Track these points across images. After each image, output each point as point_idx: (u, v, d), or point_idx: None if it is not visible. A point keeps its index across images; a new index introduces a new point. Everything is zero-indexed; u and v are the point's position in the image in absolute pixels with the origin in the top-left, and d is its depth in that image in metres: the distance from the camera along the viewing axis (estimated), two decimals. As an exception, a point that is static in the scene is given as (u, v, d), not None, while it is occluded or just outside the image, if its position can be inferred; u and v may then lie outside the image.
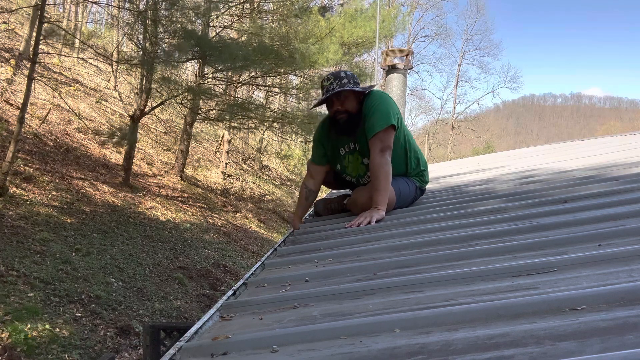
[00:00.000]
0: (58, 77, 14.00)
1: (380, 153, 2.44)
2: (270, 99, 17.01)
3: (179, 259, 8.33)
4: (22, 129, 7.82)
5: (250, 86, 13.74)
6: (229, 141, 15.91)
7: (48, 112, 11.05)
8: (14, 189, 7.47)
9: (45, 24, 8.20)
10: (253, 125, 13.14)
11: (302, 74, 12.99)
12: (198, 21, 10.97)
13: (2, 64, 12.06)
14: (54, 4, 19.20)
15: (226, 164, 16.09)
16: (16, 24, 15.53)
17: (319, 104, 2.63)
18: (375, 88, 2.62)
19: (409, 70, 8.22)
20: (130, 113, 10.82)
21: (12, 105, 10.53)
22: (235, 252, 10.10)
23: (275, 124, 13.08)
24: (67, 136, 11.13)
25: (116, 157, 11.81)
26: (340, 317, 1.19)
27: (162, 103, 10.97)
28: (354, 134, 2.57)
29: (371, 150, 2.46)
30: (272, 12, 12.58)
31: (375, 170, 2.43)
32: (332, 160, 2.76)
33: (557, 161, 4.35)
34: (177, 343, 1.16)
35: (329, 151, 2.73)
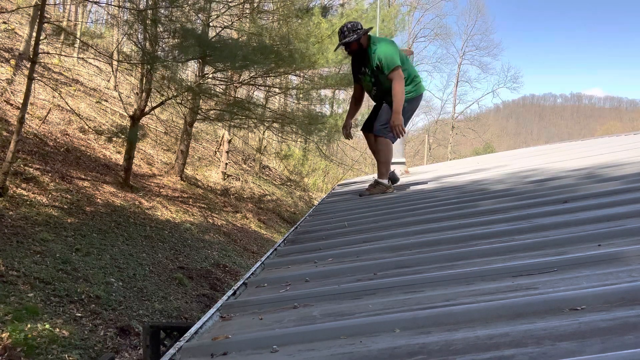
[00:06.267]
0: (58, 77, 14.00)
1: (398, 82, 3.65)
2: (270, 99, 17.00)
3: (179, 259, 8.33)
4: (22, 129, 7.82)
5: (250, 86, 13.73)
6: (229, 141, 15.90)
7: (48, 112, 11.05)
8: (14, 189, 7.47)
9: (46, 24, 8.20)
10: (253, 125, 13.13)
11: (302, 74, 12.98)
12: (198, 21, 10.96)
13: (2, 64, 12.06)
14: (54, 4, 19.19)
15: (226, 164, 16.09)
16: (16, 24, 15.53)
17: (336, 49, 4.29)
18: (370, 32, 3.84)
19: (409, 70, 8.21)
20: (130, 113, 10.81)
21: (12, 105, 10.53)
22: (235, 252, 10.10)
23: (275, 124, 13.07)
24: (67, 136, 11.13)
25: (116, 157, 11.81)
26: (340, 317, 1.19)
27: (162, 103, 10.96)
28: (365, 64, 3.83)
29: (392, 81, 3.67)
30: (272, 12, 12.57)
31: (393, 93, 3.65)
32: (358, 80, 4.05)
33: (557, 161, 4.35)
34: (177, 343, 1.16)
35: (356, 73, 4.01)
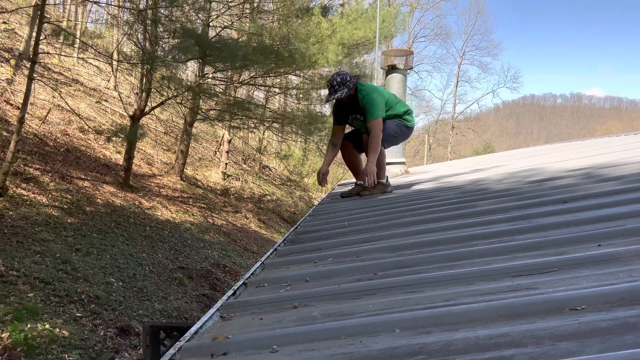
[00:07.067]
0: (58, 77, 14.00)
1: (377, 132, 3.71)
2: (270, 99, 17.00)
3: (179, 259, 8.33)
4: (22, 129, 7.81)
5: (250, 86, 13.73)
6: (229, 141, 15.90)
7: (48, 112, 11.05)
8: (14, 189, 7.47)
9: (46, 24, 8.20)
10: (253, 125, 13.13)
11: (302, 74, 12.96)
12: (198, 21, 10.96)
13: (2, 64, 12.06)
14: (54, 4, 19.20)
15: (226, 164, 16.09)
16: (16, 24, 15.53)
17: (326, 102, 4.29)
18: (360, 80, 3.91)
19: (409, 70, 8.22)
20: (130, 113, 10.82)
21: (12, 105, 10.53)
22: (235, 252, 10.10)
23: (275, 124, 13.07)
24: (67, 136, 11.13)
25: (116, 157, 11.81)
26: (340, 317, 1.19)
27: (162, 103, 10.97)
28: (356, 110, 3.91)
29: (370, 128, 3.74)
30: (272, 12, 12.58)
31: (370, 141, 3.73)
32: (344, 122, 4.08)
33: (557, 161, 4.35)
34: (177, 343, 1.16)
35: (342, 117, 4.04)
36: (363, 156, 4.22)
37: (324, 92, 13.74)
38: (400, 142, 4.26)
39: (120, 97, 14.19)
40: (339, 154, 4.32)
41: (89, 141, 11.72)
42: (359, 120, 3.96)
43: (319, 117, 12.30)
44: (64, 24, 15.48)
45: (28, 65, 8.58)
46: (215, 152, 18.11)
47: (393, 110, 3.91)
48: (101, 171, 10.54)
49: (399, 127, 3.96)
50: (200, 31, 10.70)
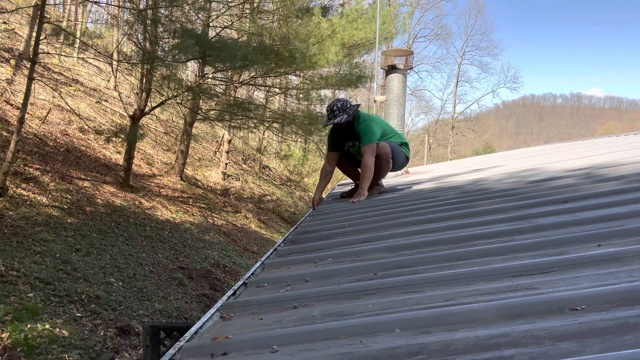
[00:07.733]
0: (58, 77, 14.00)
1: (370, 157, 3.74)
2: (270, 99, 17.00)
3: (179, 259, 8.33)
4: (22, 129, 7.81)
5: (250, 86, 13.73)
6: (229, 141, 15.90)
7: (48, 112, 11.05)
8: (14, 189, 7.47)
9: (46, 24, 8.20)
10: (253, 125, 13.12)
11: (302, 74, 12.97)
12: (198, 21, 10.96)
13: (2, 64, 12.05)
14: (54, 4, 19.19)
15: (226, 164, 16.09)
16: (16, 24, 15.53)
17: (325, 126, 4.23)
18: (360, 108, 3.97)
19: (409, 71, 8.20)
20: (130, 113, 10.81)
21: (12, 105, 10.53)
22: (235, 252, 10.10)
23: (275, 124, 13.07)
24: (67, 136, 11.13)
25: (116, 157, 11.80)
26: (340, 317, 1.19)
27: (162, 103, 10.96)
28: (353, 137, 3.97)
29: (364, 154, 3.77)
30: (272, 12, 12.57)
31: (363, 167, 3.76)
32: (340, 148, 4.10)
33: (557, 161, 4.34)
34: (177, 343, 1.16)
35: (338, 143, 4.07)
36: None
37: (324, 92, 13.73)
38: (393, 167, 4.05)
39: (120, 97, 14.19)
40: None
41: (89, 141, 11.72)
42: (356, 147, 3.98)
43: (319, 117, 12.29)
44: (64, 24, 15.47)
45: (28, 65, 8.57)
46: (215, 152, 18.11)
47: (391, 140, 3.97)
48: (101, 171, 10.54)
49: (398, 150, 3.95)
50: (200, 31, 10.69)
